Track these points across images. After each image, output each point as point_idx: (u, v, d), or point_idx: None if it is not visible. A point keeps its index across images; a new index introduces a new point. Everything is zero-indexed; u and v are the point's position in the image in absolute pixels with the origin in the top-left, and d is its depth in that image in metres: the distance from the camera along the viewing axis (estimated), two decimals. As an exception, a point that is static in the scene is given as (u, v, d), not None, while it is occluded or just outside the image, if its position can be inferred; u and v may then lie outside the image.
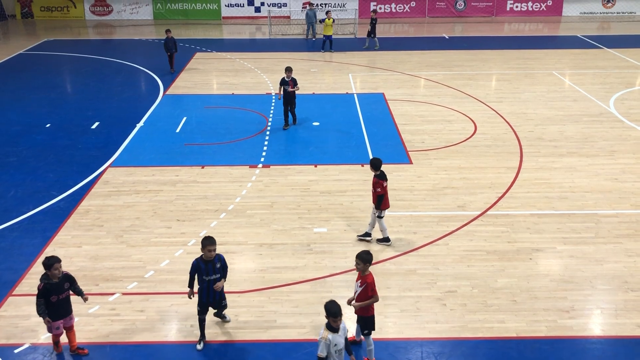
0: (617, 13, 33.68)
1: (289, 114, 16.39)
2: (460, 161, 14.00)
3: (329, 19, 24.67)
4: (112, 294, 9.24)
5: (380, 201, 10.18)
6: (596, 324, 8.57)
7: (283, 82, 16.09)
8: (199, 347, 8.07)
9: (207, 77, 21.58)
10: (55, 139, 15.57)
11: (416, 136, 15.56)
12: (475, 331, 8.39)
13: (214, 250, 7.81)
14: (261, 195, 12.39)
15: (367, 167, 13.67)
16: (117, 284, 9.48)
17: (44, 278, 7.47)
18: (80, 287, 7.89)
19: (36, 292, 7.49)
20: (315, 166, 13.83)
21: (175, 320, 8.65)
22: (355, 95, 19.30)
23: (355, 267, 7.55)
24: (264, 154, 14.56)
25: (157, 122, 16.93)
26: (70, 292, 7.74)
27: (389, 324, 8.54)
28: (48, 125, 16.61)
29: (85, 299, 7.87)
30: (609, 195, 12.31)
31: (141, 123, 16.81)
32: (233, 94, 19.47)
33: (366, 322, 7.61)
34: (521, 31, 30.14)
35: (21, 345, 8.15)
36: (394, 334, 8.35)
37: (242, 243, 10.64)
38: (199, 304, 8.00)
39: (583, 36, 28.16)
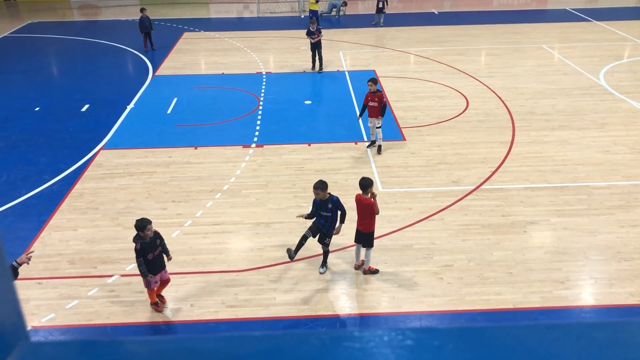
0: (606, -15, 33.57)
1: (316, 59, 19.09)
2: (453, 137, 14.05)
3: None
4: (111, 275, 9.26)
5: (385, 109, 12.89)
6: (590, 293, 8.72)
7: (309, 33, 18.74)
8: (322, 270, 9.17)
9: (196, 57, 21.38)
10: (45, 123, 15.42)
11: (408, 113, 15.57)
12: (473, 304, 8.51)
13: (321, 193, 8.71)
14: (256, 175, 12.39)
15: (360, 144, 13.71)
16: (115, 266, 9.49)
17: (138, 238, 7.95)
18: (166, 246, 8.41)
19: (134, 254, 8.05)
20: (309, 145, 13.82)
21: (175, 300, 8.70)
22: (346, 72, 19.22)
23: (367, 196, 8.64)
24: (256, 133, 14.52)
25: (148, 103, 16.80)
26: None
27: (387, 299, 8.64)
28: (37, 109, 16.44)
29: (170, 259, 8.38)
30: (601, 167, 12.44)
31: (131, 105, 16.67)
32: (223, 73, 19.32)
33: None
34: (510, 5, 30.03)
35: (22, 328, 8.16)
36: (391, 309, 8.46)
37: (238, 222, 10.67)
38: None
39: (572, 9, 28.12)
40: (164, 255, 8.31)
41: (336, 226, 8.92)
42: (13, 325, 1.19)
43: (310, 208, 9.09)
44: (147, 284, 8.21)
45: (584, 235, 10.08)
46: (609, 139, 13.77)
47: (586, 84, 17.59)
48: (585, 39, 22.74)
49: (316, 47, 18.91)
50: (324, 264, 9.22)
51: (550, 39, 22.73)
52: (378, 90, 12.96)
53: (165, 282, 8.50)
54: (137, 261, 8.01)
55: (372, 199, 8.60)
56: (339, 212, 8.85)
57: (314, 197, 8.90)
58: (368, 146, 13.53)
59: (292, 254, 8.77)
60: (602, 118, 15.01)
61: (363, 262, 9.19)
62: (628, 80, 17.78)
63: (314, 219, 8.95)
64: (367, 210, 8.67)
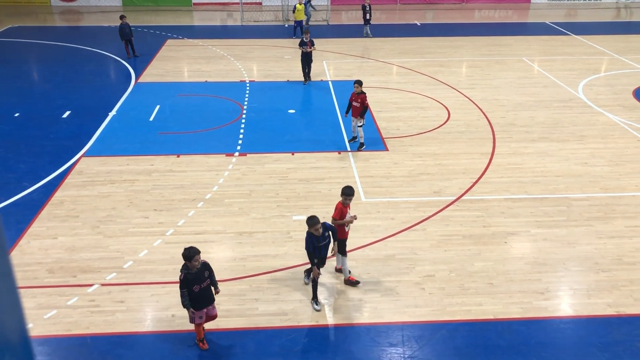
0: (584, 0, 34.29)
1: (306, 71, 18.84)
2: (434, 147, 14.18)
3: (300, 4, 24.57)
4: (91, 285, 9.15)
5: (365, 111, 13.63)
6: (569, 304, 8.84)
7: (302, 44, 18.44)
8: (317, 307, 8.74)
9: (179, 64, 21.31)
10: (25, 129, 15.23)
11: (391, 123, 15.69)
12: (454, 314, 8.58)
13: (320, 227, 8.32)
14: (239, 184, 12.37)
15: (344, 154, 13.77)
16: (96, 275, 9.39)
17: (184, 268, 7.40)
18: (216, 279, 7.80)
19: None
20: (293, 154, 13.84)
21: (157, 310, 8.63)
22: (330, 82, 19.31)
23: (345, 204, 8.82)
24: (240, 142, 14.50)
25: (130, 110, 16.69)
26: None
27: (369, 309, 8.67)
28: (17, 114, 16.23)
29: (217, 292, 7.76)
30: (580, 179, 12.64)
31: (113, 112, 16.55)
32: (206, 81, 19.29)
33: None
34: (491, 18, 30.46)
35: None
36: (374, 319, 8.49)
37: (221, 232, 10.63)
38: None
39: (551, 23, 28.62)
40: (212, 289, 7.69)
41: (331, 247, 8.74)
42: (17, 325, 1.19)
43: (309, 253, 8.42)
44: (191, 319, 7.63)
45: (563, 246, 10.23)
46: (588, 151, 14.01)
47: (565, 96, 17.89)
48: (564, 52, 23.15)
49: (307, 59, 18.70)
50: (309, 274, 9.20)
51: (531, 52, 23.10)
52: (362, 93, 13.57)
53: (211, 318, 7.87)
54: (181, 292, 7.40)
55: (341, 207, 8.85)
56: (331, 232, 8.67)
57: (307, 237, 8.31)
58: (349, 140, 14.34)
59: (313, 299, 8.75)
60: (581, 130, 15.27)
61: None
62: (605, 94, 18.13)
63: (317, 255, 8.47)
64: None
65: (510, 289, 9.10)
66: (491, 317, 8.53)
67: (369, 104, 13.97)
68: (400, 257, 9.88)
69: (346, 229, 8.98)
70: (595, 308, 8.72)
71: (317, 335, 8.18)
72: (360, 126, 13.88)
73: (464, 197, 11.87)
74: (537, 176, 12.75)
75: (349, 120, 14.16)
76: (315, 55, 19.14)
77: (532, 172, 12.96)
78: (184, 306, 7.45)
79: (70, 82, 19.17)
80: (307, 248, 8.39)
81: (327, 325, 8.37)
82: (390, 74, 20.21)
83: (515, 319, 8.50)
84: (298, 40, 25.04)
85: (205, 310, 7.64)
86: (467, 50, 23.40)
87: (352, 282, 9.15)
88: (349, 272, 9.21)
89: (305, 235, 8.38)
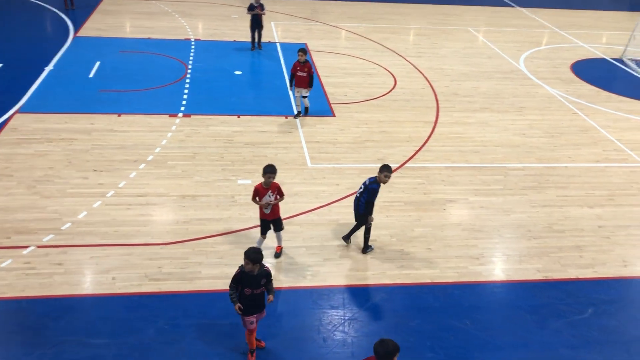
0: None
1: (256, 36, 18.13)
2: (380, 115, 14.32)
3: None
4: (26, 247, 8.88)
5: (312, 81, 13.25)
6: (502, 269, 9.28)
7: (251, 7, 17.63)
8: None
9: (120, 19, 20.45)
10: (-47, 82, 14.38)
11: (338, 89, 15.70)
12: (394, 278, 8.85)
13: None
14: (182, 146, 12.16)
15: (291, 118, 13.72)
16: (32, 237, 9.11)
17: (242, 267, 6.77)
18: (273, 287, 7.06)
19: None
20: (239, 117, 13.68)
21: (96, 272, 8.48)
22: (277, 44, 19.05)
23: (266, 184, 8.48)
24: (184, 102, 14.19)
25: (68, 66, 15.97)
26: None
27: (312, 273, 8.82)
28: (-57, 65, 15.27)
29: (270, 300, 6.99)
30: (517, 149, 13.11)
31: (50, 66, 15.80)
32: (150, 38, 18.63)
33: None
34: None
35: None
36: (317, 282, 8.65)
37: (163, 194, 10.47)
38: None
39: (498, -6, 29.05)
40: (265, 296, 6.99)
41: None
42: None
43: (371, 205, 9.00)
44: (243, 323, 7.08)
45: (498, 214, 10.66)
46: (526, 123, 14.50)
47: (507, 68, 18.35)
48: (509, 24, 23.63)
49: (257, 24, 17.98)
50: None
51: (477, 23, 23.45)
52: (307, 61, 13.18)
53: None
54: (230, 284, 6.87)
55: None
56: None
57: (376, 188, 8.95)
58: (295, 116, 13.78)
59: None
60: (521, 102, 15.76)
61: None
62: (545, 67, 18.70)
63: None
64: None
65: (448, 254, 9.46)
66: (428, 281, 8.85)
67: (319, 74, 13.74)
68: (344, 222, 10.04)
69: (265, 210, 8.63)
70: (526, 273, 9.20)
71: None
72: (306, 97, 13.60)
73: (406, 165, 12.11)
74: (477, 146, 13.13)
75: (285, 99, 13.37)
76: (263, 17, 18.76)
77: (472, 141, 13.32)
78: (232, 301, 6.84)
79: (1, 33, 18.10)
80: (372, 199, 8.92)
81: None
82: (339, 39, 20.11)
83: (451, 283, 8.85)
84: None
85: (255, 316, 7.03)
86: (416, 18, 23.52)
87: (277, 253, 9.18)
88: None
89: None
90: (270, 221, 8.86)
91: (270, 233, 8.99)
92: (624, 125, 14.77)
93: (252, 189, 8.56)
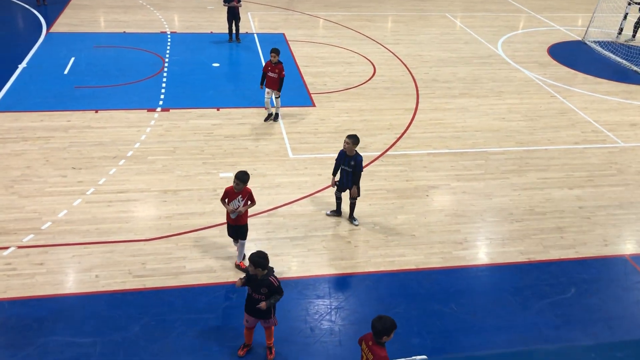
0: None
1: (233, 28, 17.92)
2: (360, 103, 14.31)
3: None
4: (6, 247, 8.75)
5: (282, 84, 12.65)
6: (485, 253, 9.36)
7: (227, 0, 17.36)
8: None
9: (94, 13, 20.12)
10: None
11: (318, 78, 15.64)
12: (378, 265, 8.89)
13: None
14: (162, 141, 12.03)
15: (271, 110, 13.63)
16: (11, 237, 8.97)
17: (247, 268, 6.66)
18: (275, 301, 6.74)
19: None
20: (218, 109, 13.57)
21: (79, 271, 8.39)
22: (255, 35, 18.90)
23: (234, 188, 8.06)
24: (162, 96, 14.03)
25: (42, 62, 15.68)
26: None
27: (297, 263, 8.82)
28: None
29: (261, 307, 6.65)
30: (497, 134, 13.20)
31: (24, 64, 15.50)
32: (125, 32, 18.36)
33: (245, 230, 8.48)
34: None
35: None
36: (302, 273, 8.65)
37: (144, 190, 10.37)
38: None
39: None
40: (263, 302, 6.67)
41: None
42: None
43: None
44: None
45: (480, 198, 10.74)
46: (505, 107, 14.60)
47: (485, 53, 18.43)
48: (485, 8, 23.70)
49: (234, 16, 17.74)
50: None
51: (454, 8, 23.49)
52: (280, 62, 12.64)
53: (266, 330, 7.11)
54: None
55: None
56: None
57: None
58: (265, 120, 13.07)
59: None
60: (499, 86, 15.85)
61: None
62: (522, 51, 18.82)
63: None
64: None
65: (431, 240, 9.51)
66: (413, 267, 8.90)
67: (284, 75, 12.76)
68: (327, 212, 10.03)
69: (232, 215, 8.20)
70: (509, 256, 9.29)
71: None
72: (277, 98, 12.94)
73: (388, 153, 12.13)
74: (457, 131, 13.20)
75: (263, 92, 12.83)
76: (240, 8, 18.59)
77: (452, 127, 13.38)
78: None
79: (-28, 31, 17.72)
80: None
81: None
82: (316, 28, 20.01)
83: (436, 268, 8.91)
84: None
85: (252, 317, 6.91)
86: (392, 5, 23.48)
87: (240, 267, 8.63)
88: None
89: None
90: (234, 227, 8.34)
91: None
92: (601, 107, 14.95)
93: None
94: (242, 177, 7.97)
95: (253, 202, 8.26)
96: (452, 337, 7.68)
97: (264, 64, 16.29)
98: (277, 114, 13.15)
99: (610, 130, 13.64)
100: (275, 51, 12.61)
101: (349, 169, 9.35)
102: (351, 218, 9.85)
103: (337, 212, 9.95)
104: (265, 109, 13.15)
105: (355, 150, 9.30)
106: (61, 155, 11.26)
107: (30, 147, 11.47)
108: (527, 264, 9.12)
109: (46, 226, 9.26)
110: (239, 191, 8.06)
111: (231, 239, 8.71)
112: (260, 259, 6.49)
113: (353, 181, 9.42)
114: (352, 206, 9.79)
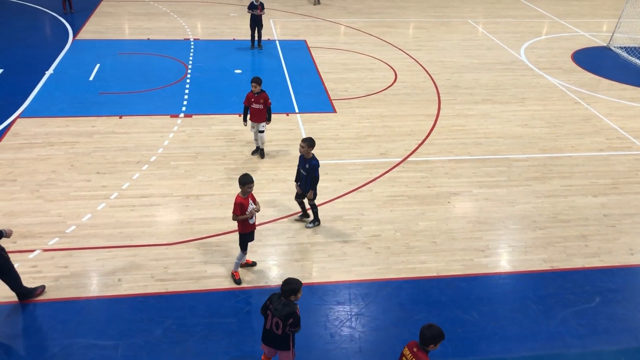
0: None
1: (255, 35, 18.11)
2: (381, 109, 14.30)
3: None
4: (32, 250, 8.90)
5: (270, 114, 11.62)
6: (507, 261, 9.26)
7: (252, 6, 17.65)
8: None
9: (119, 21, 20.45)
10: (-46, 88, 14.39)
11: (339, 85, 15.67)
12: (399, 272, 8.84)
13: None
14: (185, 146, 12.16)
15: (292, 116, 13.69)
16: (37, 241, 9.13)
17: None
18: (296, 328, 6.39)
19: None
20: (240, 115, 13.66)
21: (102, 274, 8.50)
22: (277, 42, 19.02)
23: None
24: (185, 102, 14.19)
25: (68, 69, 15.98)
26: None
27: (317, 269, 8.82)
28: (-56, 72, 15.29)
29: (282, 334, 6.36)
30: (520, 140, 13.07)
31: (50, 70, 15.81)
32: (148, 39, 18.62)
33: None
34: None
35: None
36: (322, 279, 8.65)
37: (167, 195, 10.48)
38: None
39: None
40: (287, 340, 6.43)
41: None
42: None
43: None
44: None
45: (503, 205, 10.63)
46: (528, 113, 14.45)
47: (508, 59, 18.28)
48: (508, 14, 23.54)
49: (256, 23, 17.94)
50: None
51: (476, 14, 23.37)
52: (263, 91, 11.42)
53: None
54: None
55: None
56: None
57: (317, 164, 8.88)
58: (252, 153, 11.96)
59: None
60: (522, 93, 15.70)
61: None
62: (546, 57, 18.64)
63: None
64: None
65: (453, 247, 9.44)
66: (434, 274, 8.84)
67: (270, 103, 11.58)
68: (348, 218, 10.03)
69: (250, 221, 8.20)
70: (532, 264, 9.17)
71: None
72: (262, 132, 11.63)
73: (409, 159, 12.09)
74: (479, 137, 13.10)
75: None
76: (263, 15, 18.75)
77: (474, 133, 13.29)
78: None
79: (2, 39, 18.12)
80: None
81: (277, 286, 8.47)
82: (338, 34, 20.07)
83: (457, 275, 8.84)
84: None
85: (270, 349, 6.62)
86: (414, 12, 23.45)
87: (233, 277, 8.53)
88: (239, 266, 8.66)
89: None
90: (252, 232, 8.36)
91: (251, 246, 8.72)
92: (627, 113, 14.72)
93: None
94: (251, 180, 7.99)
95: (254, 200, 8.27)
96: (473, 345, 7.60)
97: (285, 70, 16.48)
98: (262, 150, 11.88)
99: (636, 137, 13.42)
100: (256, 80, 11.34)
101: (304, 172, 9.36)
102: (307, 218, 9.92)
103: (304, 214, 9.97)
104: (255, 141, 11.97)
105: (312, 154, 9.29)
106: (86, 160, 11.44)
107: (55, 152, 11.68)
108: (550, 272, 8.99)
109: (71, 230, 9.41)
110: (247, 196, 8.05)
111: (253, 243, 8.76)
112: (288, 285, 6.23)
113: (310, 184, 9.39)
114: (313, 208, 9.72)
